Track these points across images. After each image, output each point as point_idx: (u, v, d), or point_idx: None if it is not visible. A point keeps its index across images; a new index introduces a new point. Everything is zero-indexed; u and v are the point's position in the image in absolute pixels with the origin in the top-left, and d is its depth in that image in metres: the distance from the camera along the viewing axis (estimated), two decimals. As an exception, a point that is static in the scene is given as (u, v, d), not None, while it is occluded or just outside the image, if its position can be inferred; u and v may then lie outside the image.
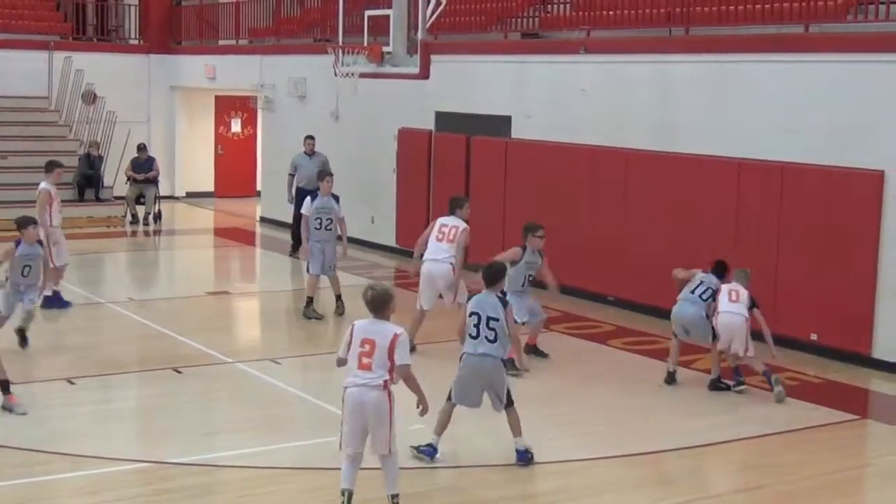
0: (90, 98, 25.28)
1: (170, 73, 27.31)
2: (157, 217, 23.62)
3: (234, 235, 22.53)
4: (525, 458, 9.30)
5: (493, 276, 9.40)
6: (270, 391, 11.47)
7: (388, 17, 18.90)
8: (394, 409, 7.95)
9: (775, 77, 13.69)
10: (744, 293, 11.61)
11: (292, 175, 19.49)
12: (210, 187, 27.83)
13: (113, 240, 21.82)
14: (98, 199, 23.77)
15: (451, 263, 12.60)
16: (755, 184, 13.64)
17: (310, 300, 14.75)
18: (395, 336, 7.88)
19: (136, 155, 23.86)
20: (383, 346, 7.85)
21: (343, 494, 8.03)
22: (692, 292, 11.76)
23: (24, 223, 12.33)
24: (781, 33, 13.88)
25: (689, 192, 14.39)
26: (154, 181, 23.77)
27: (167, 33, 27.81)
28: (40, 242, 12.52)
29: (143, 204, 23.53)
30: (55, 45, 25.89)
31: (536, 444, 9.89)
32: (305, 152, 19.45)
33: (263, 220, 23.79)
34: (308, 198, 14.90)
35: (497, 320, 9.15)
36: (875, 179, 12.43)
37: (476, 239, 17.69)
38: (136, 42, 27.96)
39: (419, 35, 18.73)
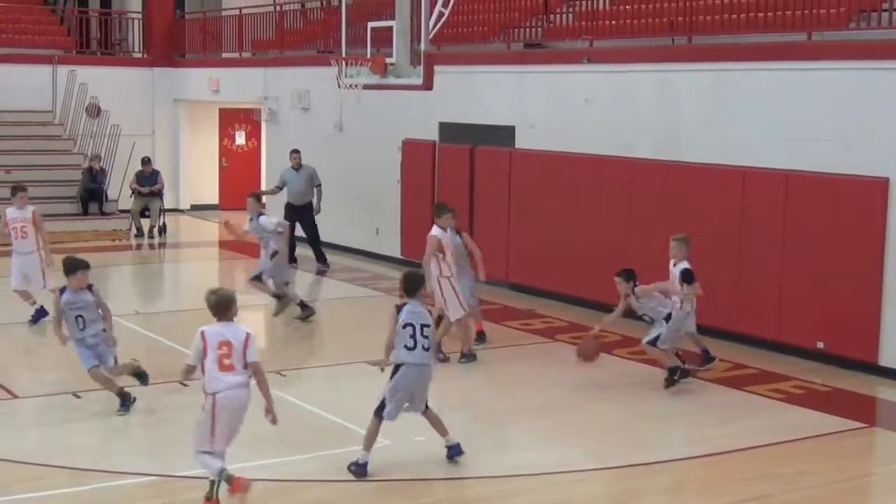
0: (94, 111, 25.34)
1: (174, 86, 27.37)
2: (162, 230, 23.67)
3: (238, 248, 22.52)
4: (460, 450, 9.41)
5: (414, 285, 9.44)
6: (276, 404, 11.44)
7: (390, 28, 18.89)
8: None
9: (779, 85, 13.69)
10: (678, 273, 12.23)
11: (279, 188, 19.83)
12: (214, 200, 27.86)
13: (118, 253, 21.84)
14: (102, 213, 23.80)
15: (437, 277, 12.63)
16: (759, 192, 13.64)
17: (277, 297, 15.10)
18: (247, 336, 8.29)
19: (140, 168, 23.94)
20: (238, 347, 8.22)
21: (221, 473, 8.23)
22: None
23: (71, 268, 10.92)
24: (784, 41, 13.89)
25: (693, 201, 14.38)
26: (159, 194, 23.83)
27: (171, 46, 27.87)
28: (90, 288, 10.95)
29: (147, 217, 23.59)
30: (59, 59, 25.96)
31: (542, 454, 9.91)
32: (292, 167, 19.61)
33: (268, 232, 23.78)
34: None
35: (429, 326, 9.27)
36: (880, 186, 12.42)
37: (481, 248, 17.74)
38: (139, 55, 28.04)
39: (422, 46, 18.73)
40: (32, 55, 25.73)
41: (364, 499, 8.86)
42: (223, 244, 23.78)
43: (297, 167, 19.62)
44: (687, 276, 12.11)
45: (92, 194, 23.72)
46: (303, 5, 25.50)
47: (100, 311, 10.92)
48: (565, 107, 16.61)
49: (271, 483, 9.08)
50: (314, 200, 19.56)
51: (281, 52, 24.21)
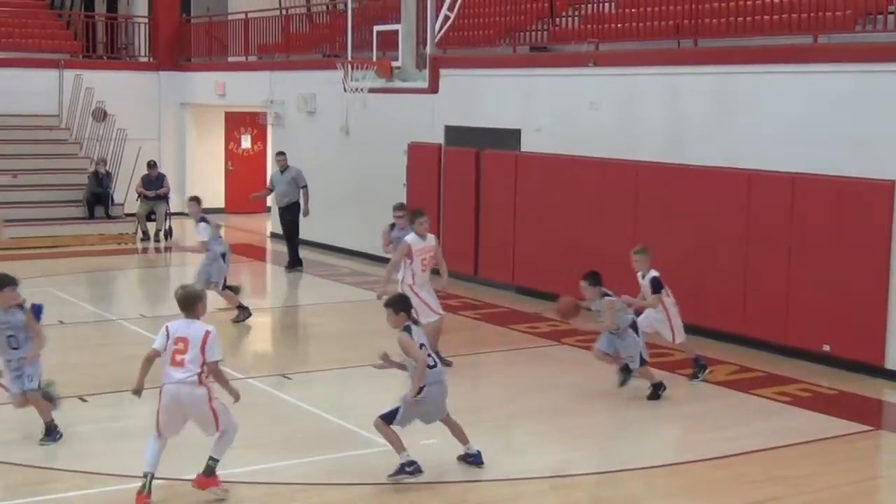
0: (101, 116, 25.39)
1: (180, 89, 27.41)
2: (168, 233, 23.70)
3: (244, 251, 22.53)
4: (481, 460, 9.41)
5: (409, 305, 9.41)
6: (282, 407, 11.48)
7: (396, 31, 18.95)
8: (213, 396, 8.50)
9: (784, 88, 13.68)
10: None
11: (270, 190, 20.26)
12: (220, 203, 27.89)
13: (124, 257, 21.88)
14: (108, 217, 23.87)
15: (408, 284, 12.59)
16: (765, 195, 13.63)
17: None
18: (207, 333, 8.42)
19: (146, 172, 23.99)
20: (196, 344, 8.37)
21: (146, 477, 8.47)
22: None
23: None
24: (790, 44, 13.88)
25: (699, 204, 14.37)
26: (164, 198, 23.88)
27: (177, 50, 27.93)
28: (20, 306, 9.87)
29: (153, 221, 23.63)
30: (66, 64, 26.02)
31: (548, 458, 9.90)
32: (279, 169, 19.81)
33: (274, 235, 23.82)
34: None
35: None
36: (885, 189, 12.40)
37: (487, 253, 17.78)
38: (146, 59, 28.11)
39: (428, 49, 18.76)
40: (39, 59, 25.79)
41: (371, 503, 8.85)
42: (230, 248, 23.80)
43: (283, 169, 19.83)
44: (655, 285, 12.10)
45: (98, 198, 23.80)
46: (309, 9, 25.54)
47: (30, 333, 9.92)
48: (571, 110, 16.61)
49: (278, 486, 9.09)
50: (301, 202, 19.68)
51: (287, 55, 24.22)
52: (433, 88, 18.91)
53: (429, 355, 9.16)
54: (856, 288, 12.68)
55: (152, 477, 8.49)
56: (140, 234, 23.47)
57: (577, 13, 17.65)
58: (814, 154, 13.22)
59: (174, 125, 27.49)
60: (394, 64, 19.23)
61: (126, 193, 24.26)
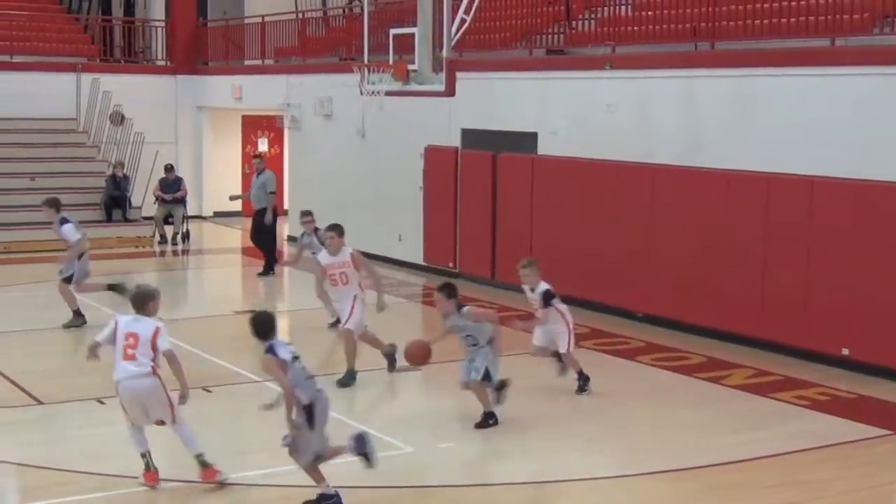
0: (118, 119, 25.46)
1: (197, 93, 27.47)
2: (186, 237, 23.76)
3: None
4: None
5: (266, 324, 8.93)
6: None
7: (413, 35, 18.93)
8: (166, 387, 8.84)
9: (802, 91, 13.63)
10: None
11: (250, 192, 20.28)
12: (237, 206, 27.90)
13: (141, 260, 21.92)
14: (126, 220, 23.94)
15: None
16: (784, 198, 13.57)
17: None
18: (157, 329, 8.82)
19: (163, 175, 24.05)
20: (146, 339, 8.74)
21: (144, 457, 8.93)
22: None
23: None
24: (808, 47, 13.83)
25: (716, 208, 14.32)
26: (182, 201, 23.93)
27: (194, 54, 27.98)
28: None
29: (171, 224, 23.68)
30: (83, 67, 26.09)
31: (568, 461, 9.86)
32: (255, 173, 20.01)
33: (290, 238, 23.82)
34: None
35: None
36: (904, 192, 12.36)
37: (503, 256, 17.75)
38: (163, 63, 28.17)
39: (444, 52, 18.74)
40: (57, 63, 25.88)
41: (386, 506, 8.86)
42: (246, 251, 23.85)
43: (258, 173, 19.91)
44: (547, 298, 11.76)
45: (116, 201, 23.87)
46: (325, 13, 25.57)
47: None
48: (588, 113, 16.58)
49: (295, 489, 9.08)
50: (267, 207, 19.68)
51: (303, 59, 24.26)
52: (450, 91, 18.84)
53: (303, 368, 8.80)
54: (875, 291, 12.61)
55: (149, 454, 8.93)
56: (157, 238, 23.53)
57: (593, 16, 17.62)
58: (832, 157, 13.16)
59: (191, 129, 27.55)
60: (410, 67, 19.19)
61: (143, 197, 24.32)
